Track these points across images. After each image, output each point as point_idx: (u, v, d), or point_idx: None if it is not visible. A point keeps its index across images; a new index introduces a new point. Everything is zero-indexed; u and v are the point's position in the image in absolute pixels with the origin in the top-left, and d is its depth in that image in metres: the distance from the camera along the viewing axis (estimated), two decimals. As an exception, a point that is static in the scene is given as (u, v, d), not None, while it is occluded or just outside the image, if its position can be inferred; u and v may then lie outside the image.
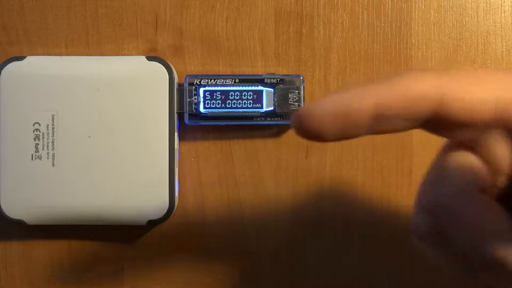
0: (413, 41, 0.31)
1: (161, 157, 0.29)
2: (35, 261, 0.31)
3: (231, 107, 0.30)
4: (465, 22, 0.31)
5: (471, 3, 0.31)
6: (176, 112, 0.29)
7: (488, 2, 0.31)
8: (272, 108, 0.30)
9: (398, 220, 0.31)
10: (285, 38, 0.31)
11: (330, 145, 0.31)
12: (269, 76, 0.30)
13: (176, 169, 0.30)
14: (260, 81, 0.30)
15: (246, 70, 0.31)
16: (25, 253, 0.31)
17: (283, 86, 0.30)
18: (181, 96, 0.30)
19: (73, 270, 0.31)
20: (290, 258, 0.31)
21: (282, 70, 0.31)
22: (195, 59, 0.31)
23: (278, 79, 0.30)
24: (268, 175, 0.31)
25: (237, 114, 0.30)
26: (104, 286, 0.31)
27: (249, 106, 0.30)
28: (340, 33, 0.31)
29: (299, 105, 0.29)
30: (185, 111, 0.30)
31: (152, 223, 0.29)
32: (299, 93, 0.30)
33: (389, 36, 0.31)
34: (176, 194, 0.30)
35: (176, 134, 0.30)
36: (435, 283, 0.31)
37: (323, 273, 0.31)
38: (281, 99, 0.30)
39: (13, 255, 0.31)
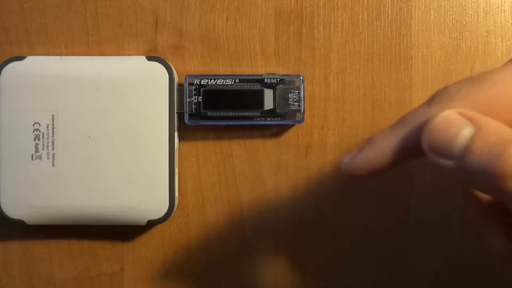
0: (413, 41, 0.31)
1: (161, 157, 0.29)
2: (35, 261, 0.31)
3: (231, 107, 0.30)
4: (465, 22, 0.31)
5: (471, 3, 0.31)
6: (176, 112, 0.29)
7: (488, 2, 0.31)
8: (272, 108, 0.30)
9: (398, 220, 0.31)
10: (285, 38, 0.31)
11: (330, 145, 0.31)
12: (269, 76, 0.30)
13: (176, 169, 0.30)
14: (260, 81, 0.30)
15: (246, 70, 0.31)
16: (25, 253, 0.31)
17: (283, 86, 0.30)
18: (181, 96, 0.30)
19: (73, 270, 0.31)
20: (290, 258, 0.31)
21: (282, 70, 0.31)
22: (195, 59, 0.31)
23: (278, 79, 0.30)
24: (268, 175, 0.31)
25: (237, 114, 0.30)
26: (104, 286, 0.31)
27: (249, 106, 0.30)
28: (340, 33, 0.31)
29: (299, 105, 0.29)
30: (185, 111, 0.30)
31: (152, 223, 0.29)
32: (299, 93, 0.30)
33: (389, 36, 0.31)
34: (176, 194, 0.30)
35: (176, 134, 0.30)
36: (435, 283, 0.31)
37: (323, 273, 0.31)
38: (281, 99, 0.30)
39: (13, 255, 0.31)
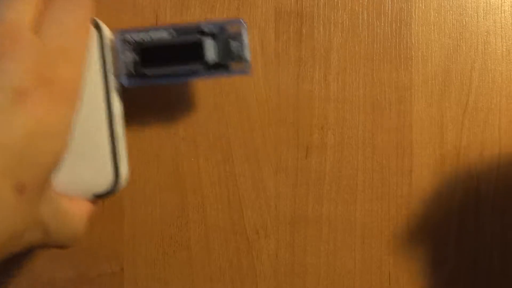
0: (413, 41, 0.31)
1: (99, 125, 0.26)
2: (35, 261, 0.31)
3: (172, 63, 0.26)
4: (465, 22, 0.31)
5: (471, 3, 0.31)
6: (114, 75, 0.26)
7: (488, 2, 0.31)
8: (215, 60, 0.26)
9: (398, 220, 0.31)
10: (285, 38, 0.31)
11: (330, 145, 0.31)
12: (207, 24, 0.26)
13: (122, 137, 0.27)
14: (199, 31, 0.26)
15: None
16: (25, 253, 0.31)
17: (224, 34, 0.26)
18: (115, 56, 0.26)
19: (73, 270, 0.31)
20: (290, 258, 0.31)
21: (282, 70, 0.31)
22: (195, 59, 0.31)
23: (218, 27, 0.26)
24: (268, 175, 0.31)
25: (178, 70, 0.26)
26: (104, 286, 0.31)
27: (191, 59, 0.26)
28: (340, 33, 0.31)
29: (243, 54, 0.26)
30: (121, 72, 0.26)
31: (99, 197, 0.26)
32: (241, 40, 0.26)
33: (389, 36, 0.31)
34: (124, 164, 0.27)
35: (116, 98, 0.27)
36: (435, 282, 0.31)
37: (323, 273, 0.31)
38: (224, 49, 0.26)
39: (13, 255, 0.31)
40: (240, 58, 0.26)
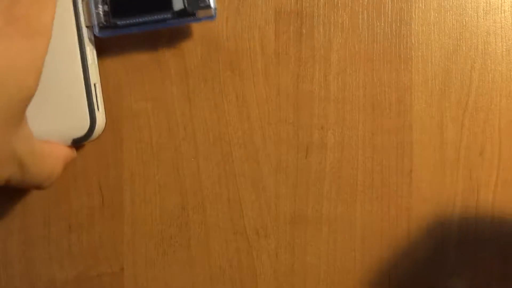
0: (413, 41, 0.31)
1: (75, 73, 0.28)
2: (35, 261, 0.31)
3: (141, 13, 0.28)
4: (465, 22, 0.31)
5: (471, 3, 0.31)
6: (86, 26, 0.28)
7: (488, 2, 0.31)
8: (182, 8, 0.28)
9: (398, 220, 0.31)
10: (285, 38, 0.31)
11: (330, 145, 0.31)
12: None
13: (97, 85, 0.29)
14: None
15: (247, 70, 0.31)
16: (25, 253, 0.31)
17: None
18: (88, 8, 0.28)
19: (73, 270, 0.31)
20: (290, 258, 0.31)
21: (282, 70, 0.31)
22: (195, 59, 0.31)
23: None
24: (268, 175, 0.31)
25: (148, 19, 0.28)
26: (104, 286, 0.31)
27: (159, 8, 0.28)
28: (340, 33, 0.31)
29: (209, 1, 0.28)
30: (93, 24, 0.28)
31: (77, 142, 0.29)
32: None
33: (389, 36, 0.31)
34: (100, 109, 0.29)
35: (89, 48, 0.29)
36: (435, 282, 0.31)
37: (323, 273, 0.31)
38: None
39: (13, 255, 0.31)
40: (206, 5, 0.28)
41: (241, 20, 0.31)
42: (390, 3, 0.31)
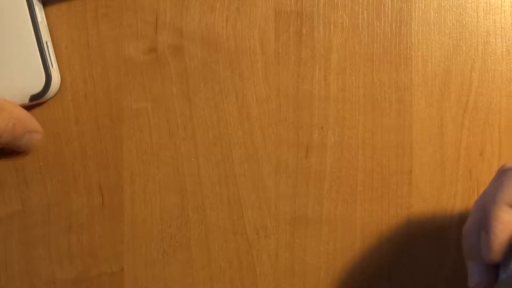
0: (413, 41, 0.31)
1: (26, 32, 0.29)
2: (35, 261, 0.31)
3: None
4: (465, 22, 0.31)
5: (471, 3, 0.31)
6: None
7: (488, 2, 0.31)
8: None
9: (398, 220, 0.31)
10: (285, 38, 0.31)
11: (330, 145, 0.31)
12: None
13: (48, 43, 0.30)
14: None
15: (247, 70, 0.31)
16: (25, 253, 0.31)
17: None
18: None
19: (73, 270, 0.31)
20: (290, 258, 0.31)
21: (282, 70, 0.31)
22: (195, 59, 0.31)
23: None
24: (268, 175, 0.31)
25: None
26: (104, 286, 0.31)
27: None
28: (340, 33, 0.31)
29: None
30: None
31: (35, 98, 0.30)
32: None
33: (389, 36, 0.31)
34: (54, 66, 0.30)
35: (37, 7, 0.30)
36: (435, 282, 0.31)
37: (323, 273, 0.31)
38: None
39: (13, 255, 0.31)
40: None
41: (241, 20, 0.31)
42: (390, 3, 0.31)
